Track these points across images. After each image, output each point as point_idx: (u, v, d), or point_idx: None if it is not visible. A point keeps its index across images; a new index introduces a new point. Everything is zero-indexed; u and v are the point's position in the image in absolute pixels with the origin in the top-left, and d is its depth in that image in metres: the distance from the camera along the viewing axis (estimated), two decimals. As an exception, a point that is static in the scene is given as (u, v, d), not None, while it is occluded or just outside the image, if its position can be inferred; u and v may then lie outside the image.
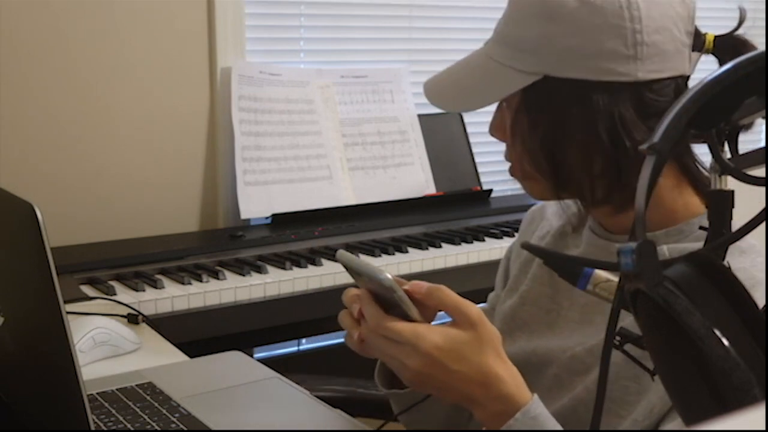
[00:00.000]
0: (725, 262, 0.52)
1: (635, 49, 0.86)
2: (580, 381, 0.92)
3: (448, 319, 0.81)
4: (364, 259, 1.62)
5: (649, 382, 0.85)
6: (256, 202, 1.81)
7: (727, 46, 0.88)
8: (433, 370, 0.78)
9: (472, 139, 2.12)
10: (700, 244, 0.83)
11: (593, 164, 0.89)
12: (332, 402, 0.98)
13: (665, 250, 0.87)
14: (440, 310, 0.81)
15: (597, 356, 0.89)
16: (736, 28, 0.89)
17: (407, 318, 0.80)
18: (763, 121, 0.58)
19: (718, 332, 0.45)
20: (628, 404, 0.87)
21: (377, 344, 0.82)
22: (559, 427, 0.79)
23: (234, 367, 1.08)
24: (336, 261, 1.58)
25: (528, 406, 0.78)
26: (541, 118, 0.89)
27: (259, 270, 1.52)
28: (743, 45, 0.88)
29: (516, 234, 1.83)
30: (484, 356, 0.78)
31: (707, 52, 0.89)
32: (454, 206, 2.03)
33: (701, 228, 0.56)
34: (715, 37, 0.89)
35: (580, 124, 0.88)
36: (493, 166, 2.24)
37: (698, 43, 0.89)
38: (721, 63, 0.88)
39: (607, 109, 0.87)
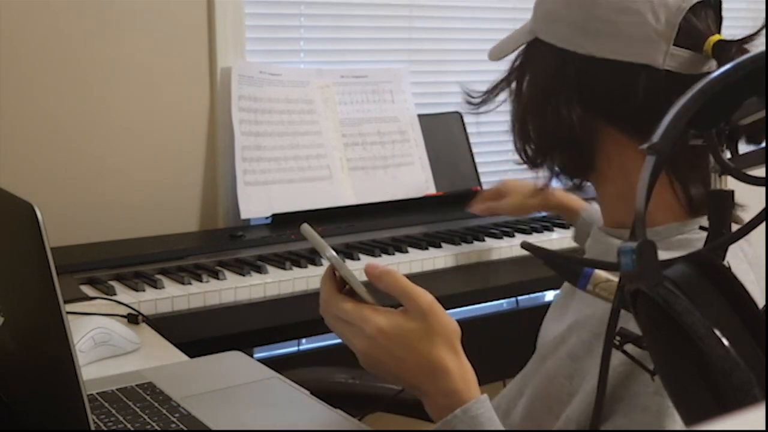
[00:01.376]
0: (725, 262, 0.52)
1: (592, 22, 0.86)
2: (540, 369, 0.92)
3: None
4: (364, 259, 1.62)
5: (578, 385, 0.84)
6: (256, 202, 1.81)
7: (727, 52, 0.83)
8: (378, 354, 0.78)
9: (472, 139, 2.12)
10: (672, 253, 0.83)
11: (526, 127, 0.93)
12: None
13: None
14: (392, 296, 0.81)
15: (555, 345, 0.90)
16: (745, 37, 0.84)
17: (361, 298, 0.81)
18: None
19: (718, 332, 0.45)
20: (561, 404, 0.86)
21: (329, 321, 0.83)
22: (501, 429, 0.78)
23: (234, 367, 1.08)
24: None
25: (469, 405, 0.77)
26: (521, 73, 0.96)
27: (259, 270, 1.52)
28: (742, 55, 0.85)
29: (516, 234, 1.83)
30: (431, 347, 0.77)
31: (708, 56, 0.84)
32: (454, 206, 2.03)
33: (701, 228, 0.56)
34: (719, 40, 0.84)
35: (529, 83, 0.93)
36: (493, 166, 2.24)
37: (696, 43, 0.84)
38: None
39: (550, 72, 0.90)
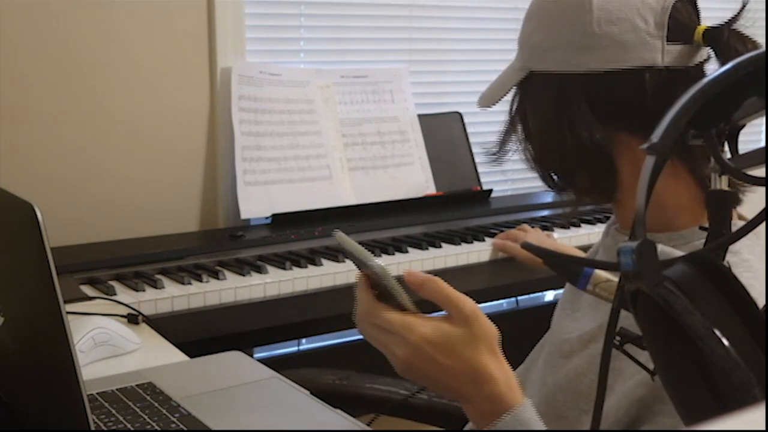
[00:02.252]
0: (725, 262, 0.52)
1: (586, 39, 0.88)
2: (563, 365, 0.93)
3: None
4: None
5: (612, 383, 0.85)
6: (256, 202, 1.81)
7: (719, 38, 0.87)
8: (422, 362, 0.77)
9: (472, 139, 2.12)
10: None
11: (544, 159, 0.95)
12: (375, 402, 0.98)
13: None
14: (434, 303, 0.80)
15: (583, 343, 0.91)
16: (730, 20, 0.88)
17: (401, 307, 0.79)
18: (763, 121, 0.58)
19: (718, 332, 0.45)
20: (590, 399, 0.87)
21: (367, 331, 0.81)
22: None
23: (234, 367, 1.08)
24: (336, 258, 1.57)
25: (518, 409, 0.77)
26: (523, 111, 0.96)
27: (259, 270, 1.52)
28: (737, 38, 0.87)
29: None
30: (476, 353, 0.77)
31: (699, 45, 0.88)
32: (454, 206, 2.03)
33: (701, 228, 0.56)
34: (707, 28, 0.88)
35: (537, 115, 0.94)
36: (493, 166, 2.24)
37: (686, 35, 0.88)
38: (717, 56, 0.88)
39: (556, 98, 0.91)
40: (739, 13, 0.88)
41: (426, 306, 0.80)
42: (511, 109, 0.97)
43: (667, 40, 0.87)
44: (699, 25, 0.89)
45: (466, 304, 0.78)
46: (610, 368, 0.87)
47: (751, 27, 0.89)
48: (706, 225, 0.88)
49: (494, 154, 1.01)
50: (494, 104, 0.99)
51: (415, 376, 0.79)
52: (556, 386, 0.92)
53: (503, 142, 0.99)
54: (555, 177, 0.95)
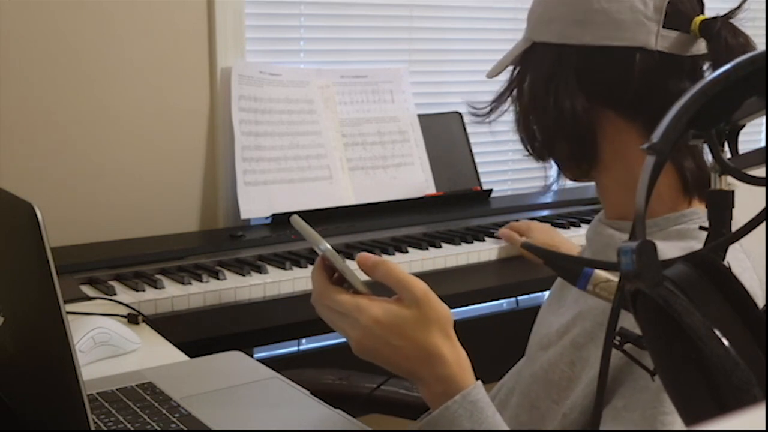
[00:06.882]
0: (725, 262, 0.52)
1: (585, 14, 0.90)
2: (540, 357, 0.94)
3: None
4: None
5: (580, 372, 0.86)
6: (256, 202, 1.81)
7: (713, 30, 0.88)
8: (374, 344, 0.79)
9: (472, 139, 2.12)
10: (669, 244, 0.85)
11: (529, 124, 0.97)
12: (372, 400, 0.99)
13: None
14: (386, 285, 0.82)
15: (559, 335, 0.92)
16: (727, 13, 0.89)
17: (356, 289, 0.81)
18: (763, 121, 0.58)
19: (718, 332, 0.45)
20: (560, 390, 0.88)
21: (322, 312, 0.83)
22: (498, 417, 0.79)
23: (234, 367, 1.08)
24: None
25: (468, 390, 0.78)
26: (521, 77, 0.98)
27: (259, 270, 1.52)
28: (730, 30, 0.88)
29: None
30: (426, 334, 0.78)
31: (695, 35, 0.89)
32: (454, 206, 2.03)
33: (701, 228, 0.56)
34: (704, 19, 0.89)
35: (530, 81, 0.96)
36: (493, 166, 2.24)
37: (684, 23, 0.89)
38: (709, 47, 0.89)
39: (549, 68, 0.93)
40: (738, 6, 0.89)
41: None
42: (511, 75, 1.00)
43: (664, 26, 0.88)
44: (699, 15, 0.90)
45: (416, 286, 0.80)
46: (577, 357, 0.88)
47: (751, 27, 0.90)
48: (685, 213, 0.90)
49: (484, 113, 1.02)
50: (499, 73, 1.01)
51: (369, 356, 0.81)
52: (532, 377, 0.93)
53: (496, 103, 1.01)
54: (536, 144, 0.97)
